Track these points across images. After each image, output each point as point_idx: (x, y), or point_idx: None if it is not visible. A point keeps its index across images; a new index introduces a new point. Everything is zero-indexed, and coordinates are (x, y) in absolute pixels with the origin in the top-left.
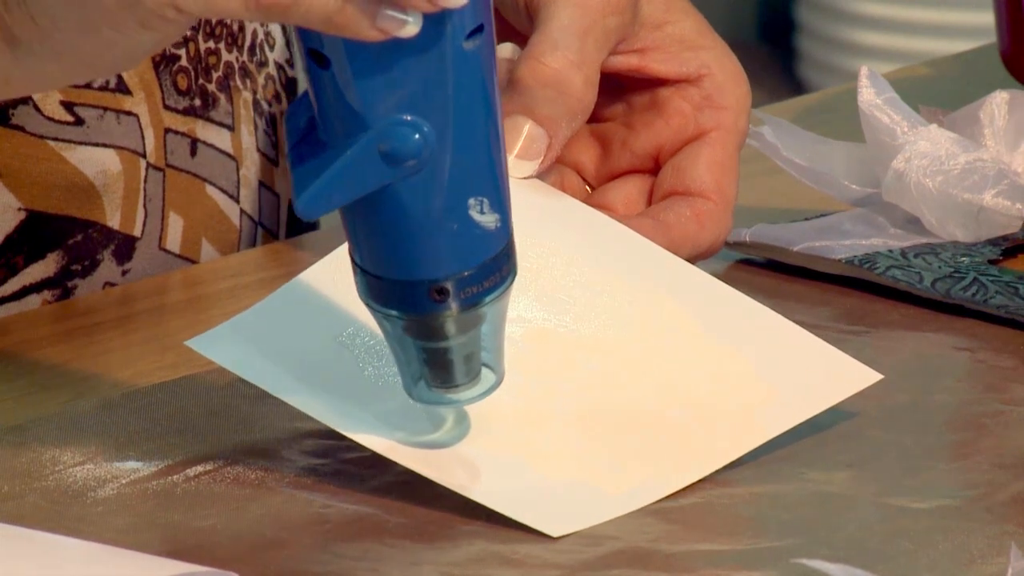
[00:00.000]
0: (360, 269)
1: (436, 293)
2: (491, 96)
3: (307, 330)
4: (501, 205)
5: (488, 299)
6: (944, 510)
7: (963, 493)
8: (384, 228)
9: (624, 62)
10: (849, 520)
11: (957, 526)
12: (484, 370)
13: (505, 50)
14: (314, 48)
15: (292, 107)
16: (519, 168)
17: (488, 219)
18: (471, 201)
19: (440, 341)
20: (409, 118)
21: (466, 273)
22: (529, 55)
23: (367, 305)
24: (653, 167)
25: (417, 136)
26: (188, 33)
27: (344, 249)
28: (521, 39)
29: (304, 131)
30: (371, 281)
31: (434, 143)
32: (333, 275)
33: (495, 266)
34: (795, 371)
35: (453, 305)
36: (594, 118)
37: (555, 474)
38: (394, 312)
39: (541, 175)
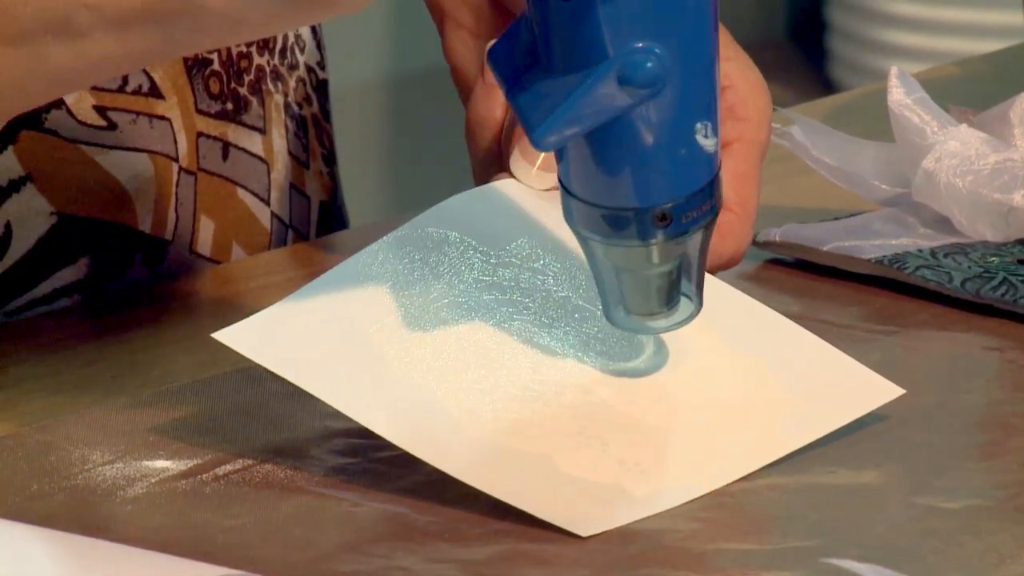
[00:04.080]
0: (576, 198)
1: (659, 219)
2: (713, 17)
3: (336, 324)
4: (717, 129)
5: (702, 223)
6: (973, 510)
7: (992, 493)
8: (612, 156)
9: None
10: (878, 520)
11: (986, 526)
12: (683, 300)
13: None
14: None
15: (498, 44)
16: (543, 180)
17: (710, 143)
18: (698, 125)
19: (649, 268)
20: (646, 45)
21: (688, 197)
22: None
23: (580, 235)
24: None
25: (654, 62)
26: None
27: (371, 249)
28: None
29: (520, 65)
30: (589, 210)
31: (670, 68)
32: (363, 271)
33: (711, 190)
34: (818, 384)
35: (673, 230)
36: None
37: (583, 475)
38: (614, 240)
39: None
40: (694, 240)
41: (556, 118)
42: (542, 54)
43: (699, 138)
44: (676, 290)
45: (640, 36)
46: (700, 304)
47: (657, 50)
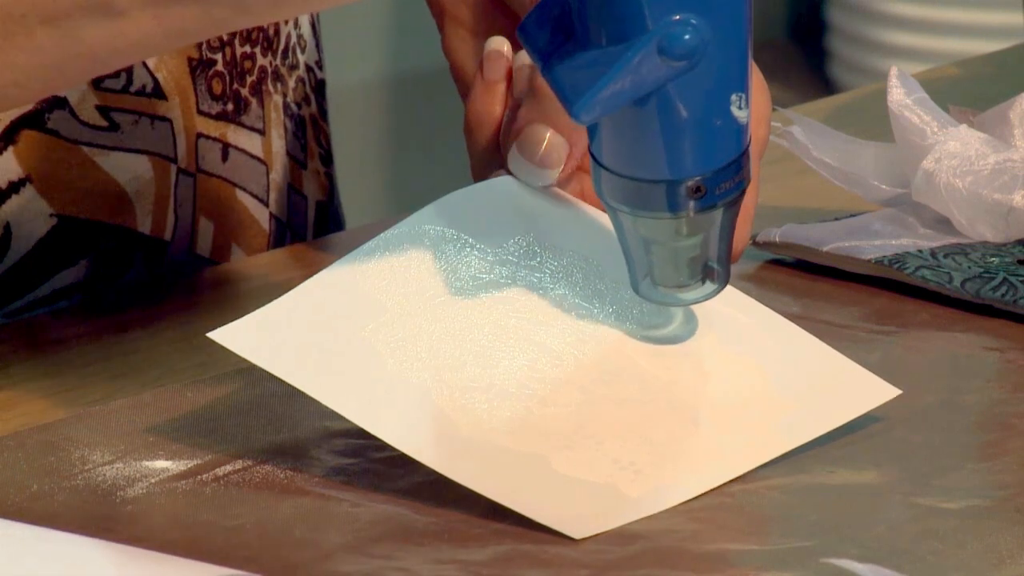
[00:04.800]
0: (607, 171)
1: (692, 191)
2: None
3: (330, 324)
4: (750, 101)
5: (733, 195)
6: (973, 510)
7: (992, 493)
8: (648, 129)
9: None
10: (878, 520)
11: (986, 526)
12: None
13: (527, 55)
14: None
15: (529, 19)
16: (540, 176)
17: (743, 114)
18: (732, 97)
19: (679, 240)
20: (683, 16)
21: (721, 169)
22: None
23: (610, 206)
24: None
25: (692, 34)
26: (225, 38)
27: (368, 246)
28: None
29: (554, 39)
30: (621, 182)
31: (707, 39)
32: (359, 269)
33: (742, 163)
34: (814, 385)
35: (705, 202)
36: None
37: (578, 475)
38: (644, 212)
39: (561, 183)
40: (724, 213)
41: (596, 92)
42: (578, 28)
43: (734, 109)
44: (704, 263)
45: (678, 8)
46: (727, 277)
47: (694, 21)
